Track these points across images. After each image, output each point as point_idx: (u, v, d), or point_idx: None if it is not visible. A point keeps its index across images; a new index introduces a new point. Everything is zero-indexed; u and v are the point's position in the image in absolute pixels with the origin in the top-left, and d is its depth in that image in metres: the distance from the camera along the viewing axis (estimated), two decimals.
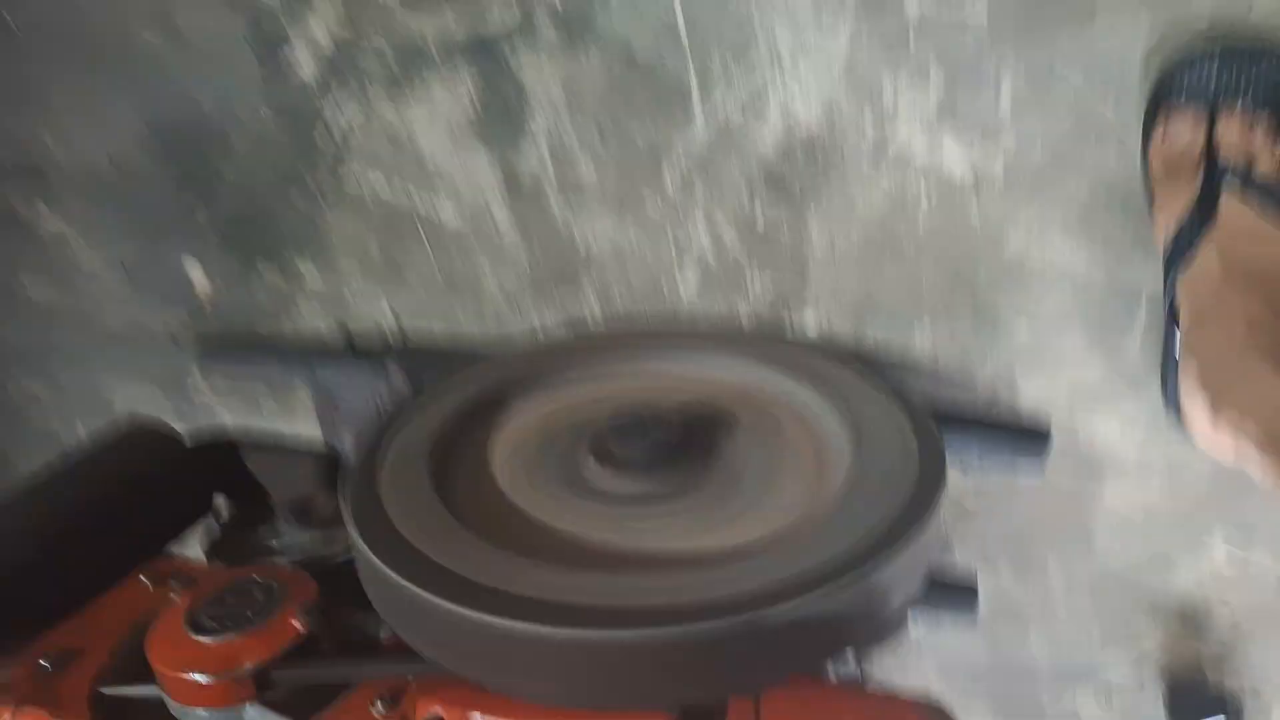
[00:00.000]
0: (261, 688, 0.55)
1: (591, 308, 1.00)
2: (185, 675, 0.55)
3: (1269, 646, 0.99)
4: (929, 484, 0.53)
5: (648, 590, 0.47)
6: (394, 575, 0.49)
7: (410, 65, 0.93)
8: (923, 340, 0.92)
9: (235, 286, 1.14)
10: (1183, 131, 0.75)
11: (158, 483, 0.77)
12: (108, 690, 0.57)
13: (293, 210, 1.06)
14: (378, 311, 1.10)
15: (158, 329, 1.21)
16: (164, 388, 1.29)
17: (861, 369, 0.73)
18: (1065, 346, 0.89)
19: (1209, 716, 0.97)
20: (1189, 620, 1.00)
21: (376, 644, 0.61)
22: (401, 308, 1.08)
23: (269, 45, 0.97)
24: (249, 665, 0.55)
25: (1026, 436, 0.88)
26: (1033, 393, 0.92)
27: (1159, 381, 0.87)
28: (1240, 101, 0.74)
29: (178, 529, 0.76)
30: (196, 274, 1.15)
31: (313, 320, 1.13)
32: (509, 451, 0.67)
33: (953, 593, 0.97)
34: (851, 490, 0.55)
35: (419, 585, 0.48)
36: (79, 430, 1.42)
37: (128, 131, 1.08)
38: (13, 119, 1.12)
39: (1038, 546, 1.00)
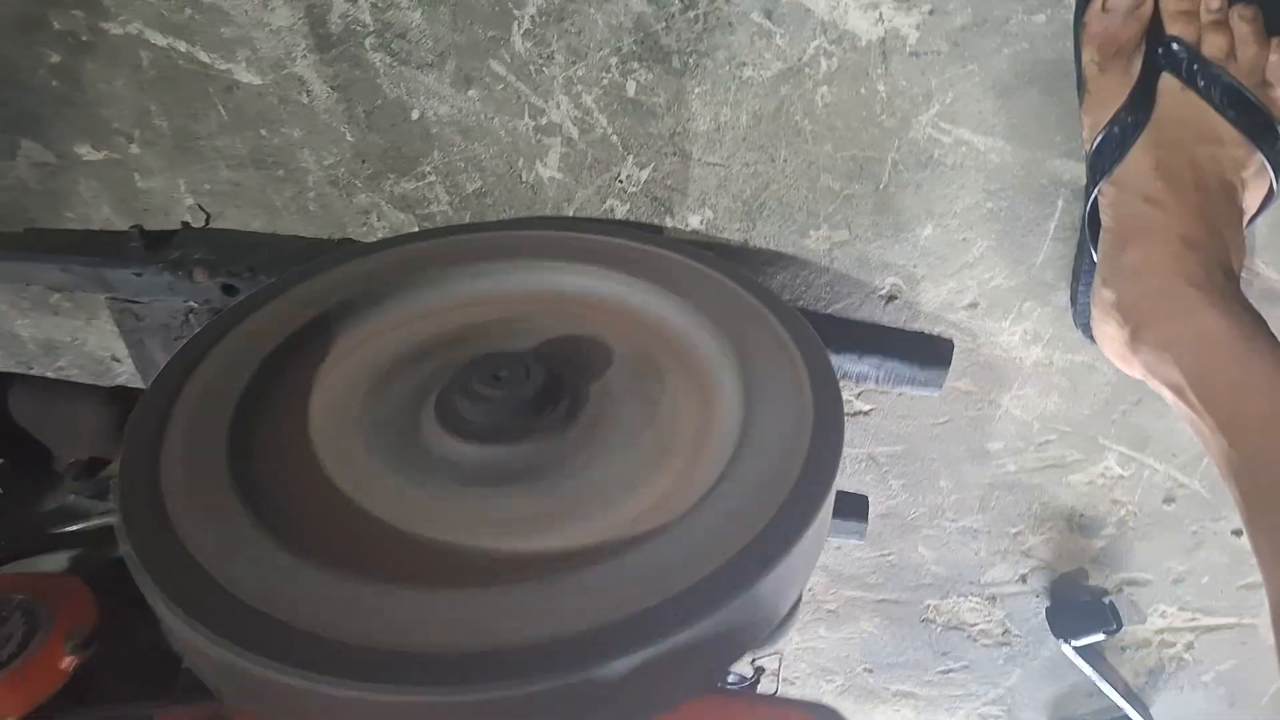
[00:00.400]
0: None
1: (437, 194, 0.83)
2: None
3: (1152, 540, 0.98)
4: (822, 469, 0.42)
5: (489, 620, 0.36)
6: (173, 612, 0.36)
7: None
8: (819, 241, 0.80)
9: None
10: (1122, 1, 0.63)
11: None
12: None
13: (48, 69, 0.84)
14: (174, 195, 0.90)
15: None
16: None
17: (750, 282, 0.62)
18: (972, 249, 0.79)
19: (1093, 625, 0.95)
20: (1076, 521, 0.96)
21: (176, 667, 0.48)
22: (202, 191, 0.89)
23: None
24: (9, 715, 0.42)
25: (927, 350, 0.79)
26: (933, 296, 0.82)
27: (1068, 294, 0.79)
28: None
29: None
30: None
31: (98, 209, 0.93)
32: (332, 404, 0.54)
33: (843, 500, 0.91)
34: (735, 469, 0.44)
35: (203, 624, 0.36)
36: None
37: None
38: None
39: (930, 451, 0.93)
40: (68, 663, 0.44)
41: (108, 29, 0.80)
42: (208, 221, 0.92)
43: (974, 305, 0.82)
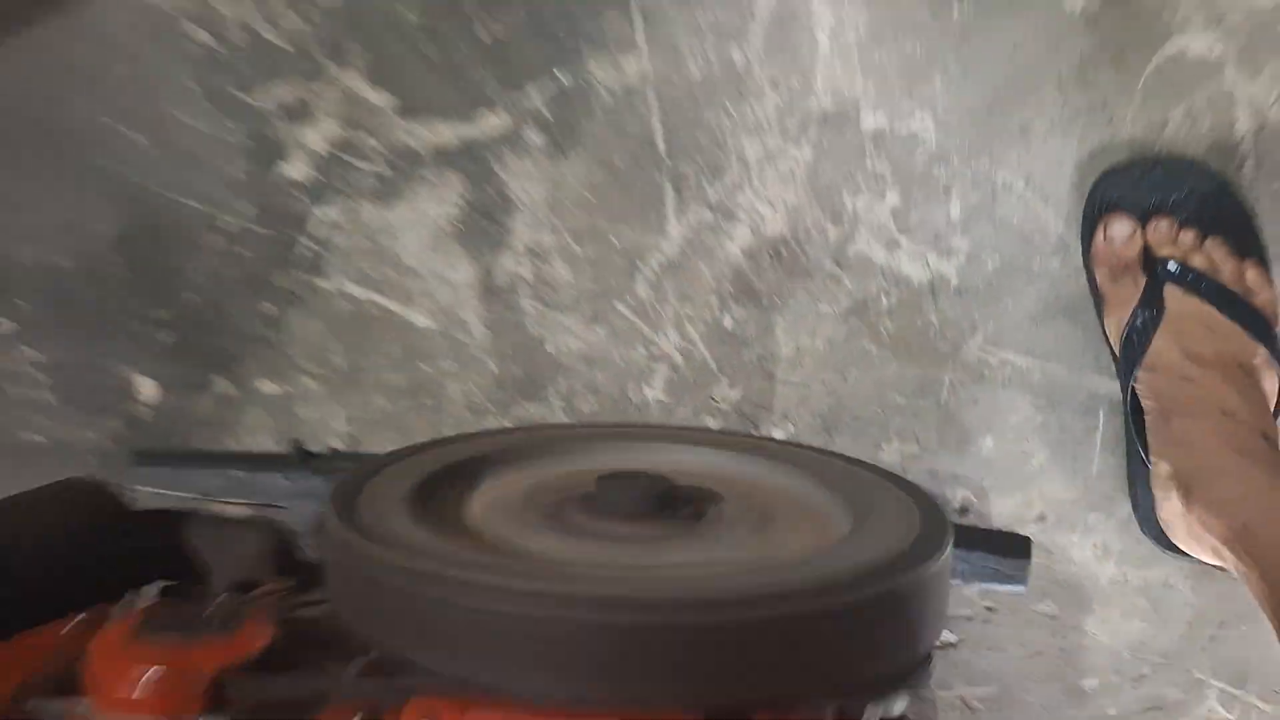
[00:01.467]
0: (214, 702, 0.46)
1: (556, 413, 0.98)
2: (122, 681, 0.46)
3: None
4: (937, 526, 0.50)
5: (666, 583, 0.42)
6: (383, 554, 0.43)
7: (400, 169, 0.99)
8: (890, 453, 0.91)
9: (181, 397, 1.10)
10: (1119, 234, 0.81)
11: (93, 539, 0.69)
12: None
13: (255, 315, 1.05)
14: (332, 423, 1.05)
15: (86, 442, 1.14)
16: None
17: (870, 465, 0.71)
18: (1031, 460, 0.89)
19: None
20: None
21: (354, 657, 0.52)
22: (357, 418, 1.04)
23: (264, 150, 1.02)
24: (201, 673, 0.46)
25: (1007, 544, 0.84)
26: (1003, 509, 0.89)
27: (1127, 494, 0.87)
28: (1166, 204, 0.81)
29: (108, 593, 0.67)
30: (141, 383, 1.11)
31: (260, 434, 1.08)
32: (490, 507, 0.62)
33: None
34: (858, 532, 0.51)
35: (411, 565, 0.42)
36: None
37: (95, 231, 1.09)
38: None
39: (1025, 693, 0.92)
40: (264, 632, 0.49)
41: (319, 284, 1.03)
42: (354, 452, 1.06)
43: (1042, 518, 0.89)
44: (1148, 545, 0.85)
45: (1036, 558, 0.88)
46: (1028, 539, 0.83)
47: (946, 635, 0.91)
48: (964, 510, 0.88)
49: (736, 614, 0.38)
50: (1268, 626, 0.62)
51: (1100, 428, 0.86)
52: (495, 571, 0.40)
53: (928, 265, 0.87)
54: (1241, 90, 0.80)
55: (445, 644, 0.40)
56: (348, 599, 0.45)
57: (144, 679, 0.43)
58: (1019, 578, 0.80)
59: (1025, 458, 0.88)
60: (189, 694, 0.44)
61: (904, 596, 0.42)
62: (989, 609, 0.92)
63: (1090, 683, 0.90)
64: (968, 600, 0.92)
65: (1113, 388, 0.85)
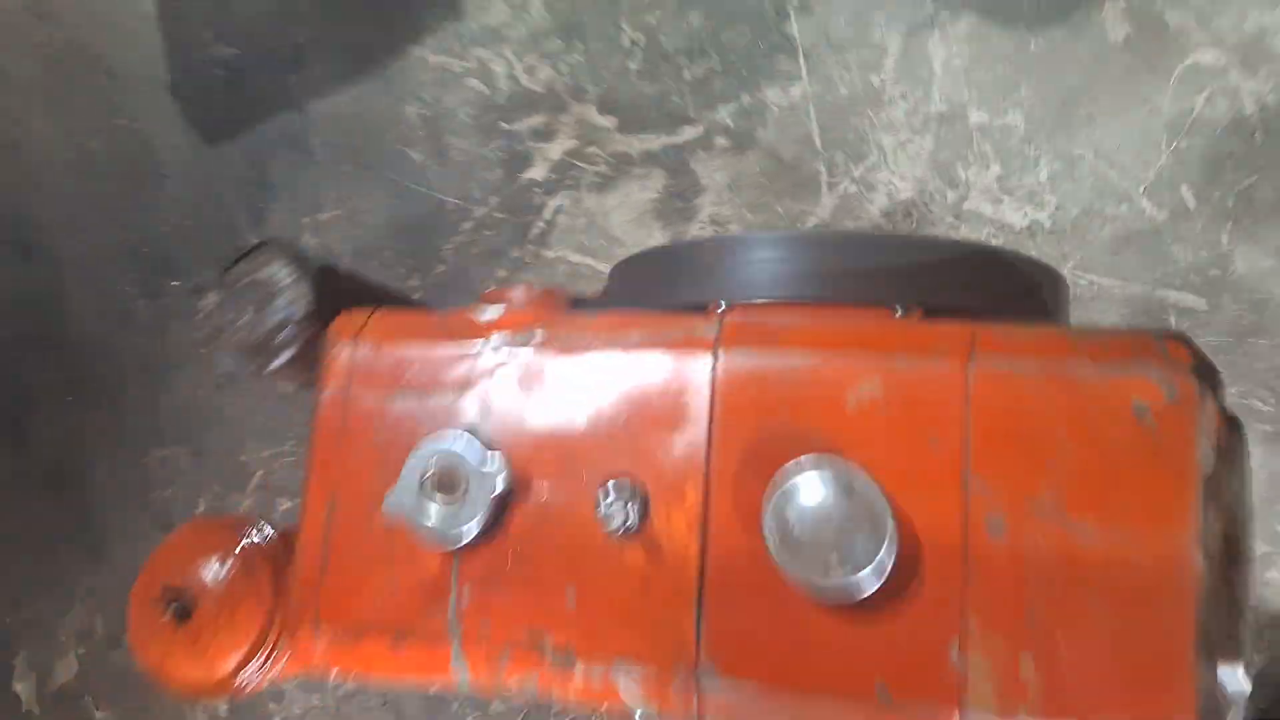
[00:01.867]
0: None
1: None
2: None
3: None
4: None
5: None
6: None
7: (617, 168, 1.33)
8: None
9: None
10: None
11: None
12: None
13: (491, 280, 1.37)
14: None
15: None
16: None
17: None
18: None
19: None
20: None
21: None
22: None
23: (514, 161, 1.38)
24: None
25: None
26: None
27: None
28: None
29: None
30: None
31: None
32: None
33: None
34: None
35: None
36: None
37: (375, 227, 1.43)
38: (290, 219, 1.49)
39: None
40: None
41: (545, 254, 1.34)
42: None
43: None
44: None
45: None
46: None
47: None
48: None
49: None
50: None
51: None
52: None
53: (1025, 214, 1.17)
54: (1245, 85, 1.13)
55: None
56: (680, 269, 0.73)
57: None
58: None
59: None
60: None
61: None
62: None
63: None
64: None
65: (1178, 298, 1.10)
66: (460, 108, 1.41)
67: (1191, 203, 1.12)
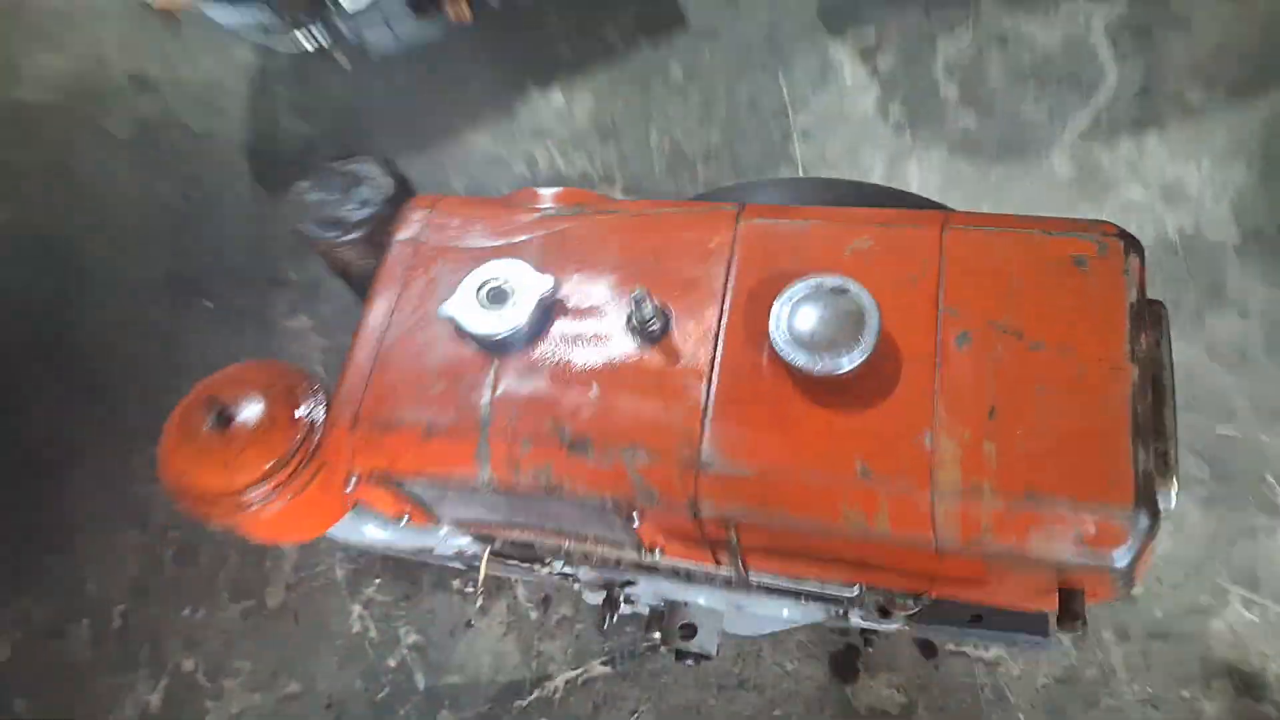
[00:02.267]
0: None
1: None
2: None
3: None
4: None
5: None
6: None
7: None
8: None
9: None
10: None
11: None
12: None
13: None
14: None
15: None
16: None
17: None
18: None
19: None
20: (1239, 677, 1.07)
21: None
22: None
23: None
24: None
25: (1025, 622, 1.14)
26: None
27: None
28: None
29: None
30: None
31: None
32: None
33: (1020, 620, 1.11)
34: None
35: None
36: None
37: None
38: None
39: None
40: None
41: None
42: None
43: None
44: None
45: None
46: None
47: None
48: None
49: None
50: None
51: None
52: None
53: None
54: (1168, 216, 1.36)
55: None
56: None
57: None
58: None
59: None
60: None
61: None
62: None
63: (1136, 590, 1.13)
64: None
65: None
66: (503, 186, 1.61)
67: None
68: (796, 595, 0.88)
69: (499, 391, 0.74)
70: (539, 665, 1.27)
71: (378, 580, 1.38)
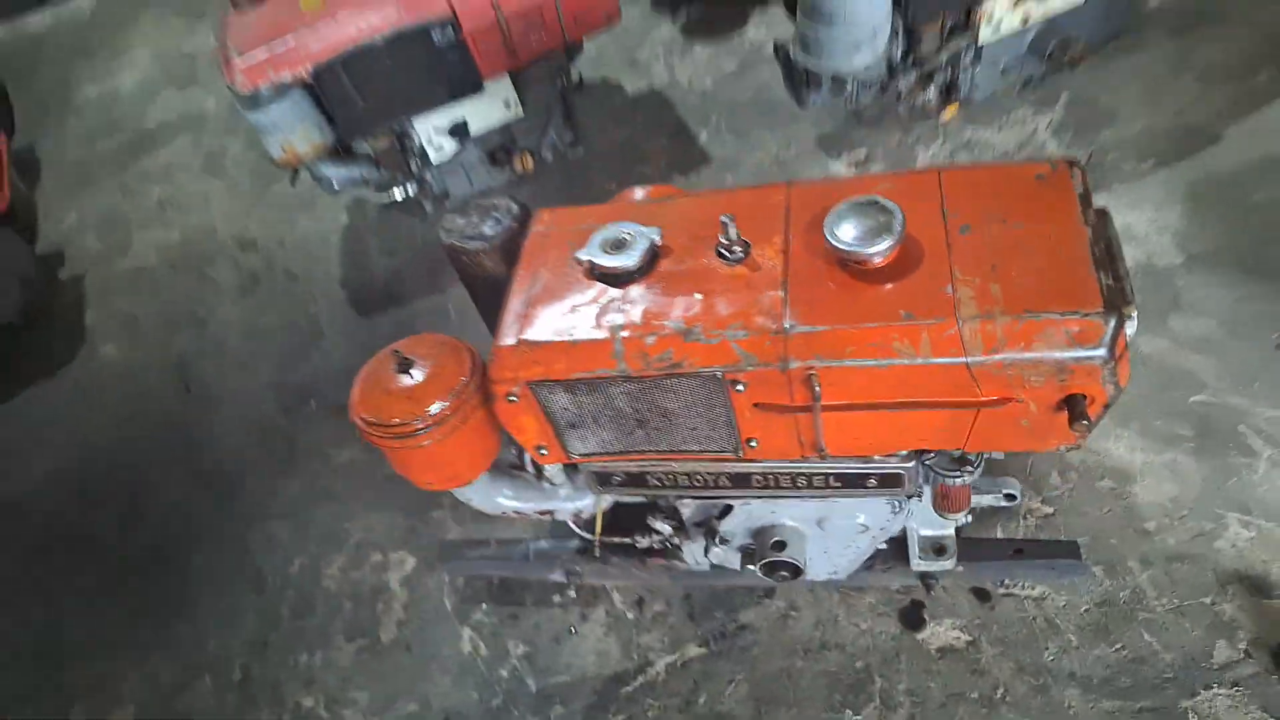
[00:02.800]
0: None
1: None
2: None
3: None
4: None
5: None
6: None
7: None
8: None
9: None
10: None
11: None
12: None
13: None
14: None
15: None
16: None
17: None
18: None
19: None
20: (1249, 581, 1.23)
21: None
22: None
23: None
24: None
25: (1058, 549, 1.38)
26: None
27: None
28: None
29: None
30: None
31: None
32: None
33: (1056, 548, 1.30)
34: None
35: None
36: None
37: None
38: None
39: (1107, 534, 1.32)
40: None
41: None
42: None
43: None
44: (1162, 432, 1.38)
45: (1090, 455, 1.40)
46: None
47: (1044, 509, 1.37)
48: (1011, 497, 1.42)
49: None
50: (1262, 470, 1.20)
51: None
52: None
53: None
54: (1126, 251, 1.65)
55: None
56: None
57: None
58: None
59: None
60: None
61: None
62: (1069, 487, 1.37)
63: (1150, 525, 1.32)
64: (1053, 483, 1.38)
65: None
66: None
67: None
68: (864, 481, 1.07)
69: (626, 309, 1.00)
70: (639, 656, 1.41)
71: (484, 605, 1.53)
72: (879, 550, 1.31)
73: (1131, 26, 2.07)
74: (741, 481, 1.13)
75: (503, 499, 1.25)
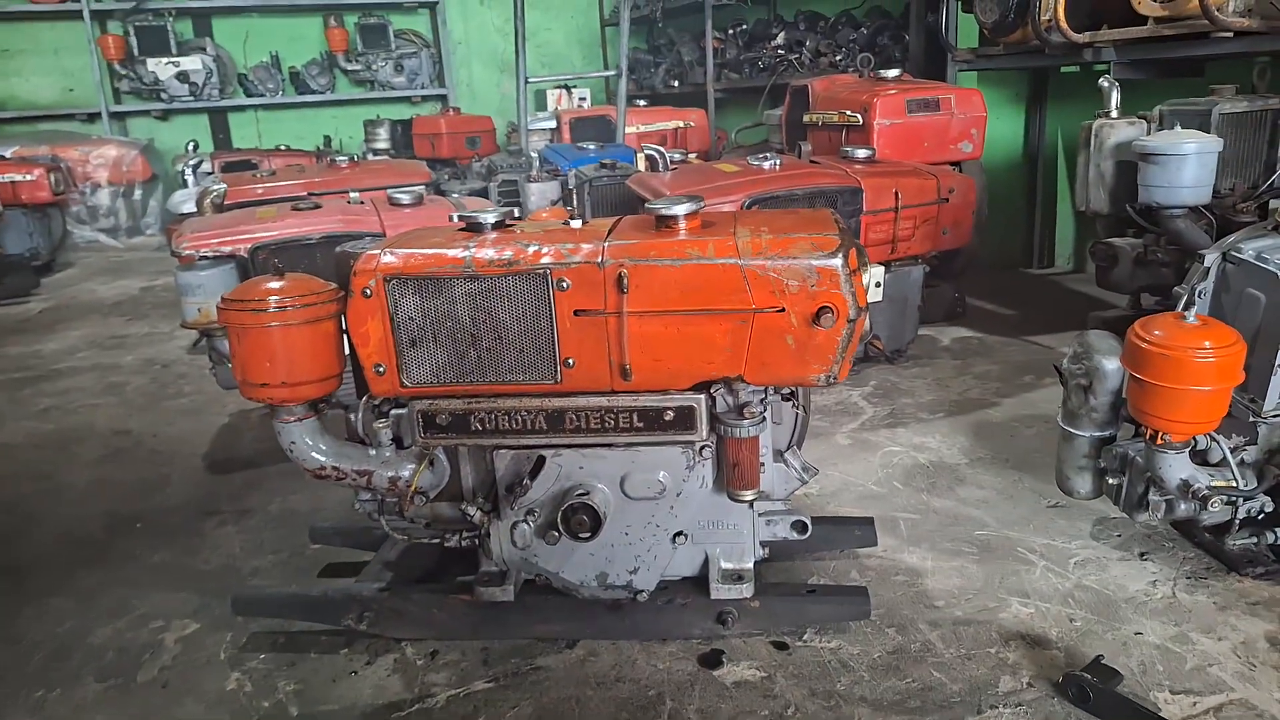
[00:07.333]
0: None
1: None
2: None
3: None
4: None
5: None
6: None
7: None
8: None
9: None
10: None
11: None
12: None
13: None
14: None
15: None
16: None
17: None
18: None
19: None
20: (1030, 639, 1.28)
21: None
22: None
23: None
24: None
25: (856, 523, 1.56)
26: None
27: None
28: None
29: None
30: None
31: None
32: None
33: (847, 591, 1.40)
34: None
35: None
36: None
37: None
38: None
39: (902, 610, 1.39)
40: None
41: None
42: None
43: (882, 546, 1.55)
44: None
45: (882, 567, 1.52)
46: (864, 588, 1.54)
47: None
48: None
49: None
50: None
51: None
52: None
53: None
54: None
55: None
56: None
57: None
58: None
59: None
60: None
61: None
62: (866, 580, 1.42)
63: (939, 603, 1.39)
64: (852, 578, 1.44)
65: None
66: None
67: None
68: (662, 416, 1.20)
69: (481, 240, 1.23)
70: (421, 689, 1.28)
71: (262, 655, 1.39)
72: (681, 581, 1.34)
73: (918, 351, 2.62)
74: (556, 422, 1.23)
75: (322, 452, 1.29)
